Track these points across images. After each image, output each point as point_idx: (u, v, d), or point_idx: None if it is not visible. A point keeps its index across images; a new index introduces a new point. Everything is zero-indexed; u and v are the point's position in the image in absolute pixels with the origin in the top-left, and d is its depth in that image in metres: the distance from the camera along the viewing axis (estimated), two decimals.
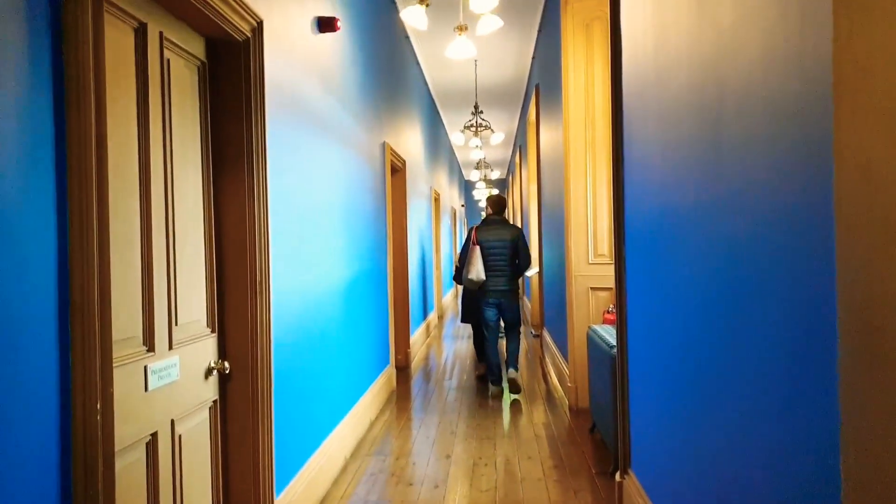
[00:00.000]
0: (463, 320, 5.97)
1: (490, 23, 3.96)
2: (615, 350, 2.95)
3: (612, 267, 3.59)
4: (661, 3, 2.04)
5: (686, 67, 1.79)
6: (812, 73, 1.06)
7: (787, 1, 1.15)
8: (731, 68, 1.45)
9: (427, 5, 3.95)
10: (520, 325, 5.36)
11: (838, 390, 0.92)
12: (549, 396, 4.98)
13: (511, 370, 5.19)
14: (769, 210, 1.27)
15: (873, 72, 0.76)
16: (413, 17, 3.91)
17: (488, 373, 5.15)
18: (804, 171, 1.10)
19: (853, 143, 0.80)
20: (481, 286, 5.18)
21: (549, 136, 5.79)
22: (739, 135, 1.42)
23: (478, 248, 5.16)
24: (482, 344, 5.74)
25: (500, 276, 5.17)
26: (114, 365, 1.56)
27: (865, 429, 0.82)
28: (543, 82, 6.25)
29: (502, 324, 5.40)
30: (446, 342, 7.98)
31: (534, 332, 8.38)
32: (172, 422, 1.87)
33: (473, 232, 5.25)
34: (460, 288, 12.25)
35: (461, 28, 4.34)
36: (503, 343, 6.56)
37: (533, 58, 7.36)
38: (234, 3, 2.05)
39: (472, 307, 5.73)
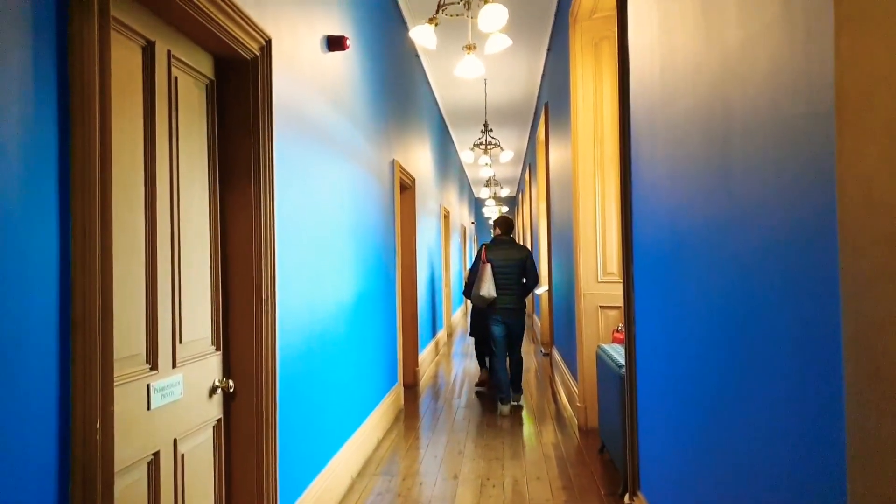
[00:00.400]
0: (471, 334, 6.31)
1: (499, 42, 3.98)
2: (624, 370, 2.92)
3: (621, 286, 3.55)
4: (668, 23, 2.04)
5: (693, 87, 1.79)
6: (817, 94, 1.05)
7: (793, 22, 1.15)
8: (738, 89, 1.44)
9: (436, 24, 3.97)
10: (521, 342, 5.47)
11: (844, 413, 0.89)
12: (559, 416, 4.92)
13: (516, 395, 5.33)
14: (777, 230, 1.25)
15: (874, 93, 0.75)
16: (422, 36, 3.93)
17: (497, 390, 5.15)
18: (810, 191, 1.09)
19: (855, 162, 0.79)
20: (491, 303, 5.22)
21: (558, 154, 5.79)
22: (746, 155, 1.40)
23: (489, 265, 5.21)
24: (482, 353, 6.29)
25: (509, 295, 5.25)
26: (115, 383, 1.56)
27: (871, 453, 0.79)
28: (552, 101, 6.26)
29: None
30: (455, 360, 7.93)
31: (543, 351, 8.31)
32: (175, 441, 1.86)
33: (483, 251, 5.29)
34: (470, 305, 12.22)
35: (470, 47, 4.36)
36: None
37: (542, 76, 7.40)
38: (242, 23, 2.07)
39: (480, 323, 5.88)
